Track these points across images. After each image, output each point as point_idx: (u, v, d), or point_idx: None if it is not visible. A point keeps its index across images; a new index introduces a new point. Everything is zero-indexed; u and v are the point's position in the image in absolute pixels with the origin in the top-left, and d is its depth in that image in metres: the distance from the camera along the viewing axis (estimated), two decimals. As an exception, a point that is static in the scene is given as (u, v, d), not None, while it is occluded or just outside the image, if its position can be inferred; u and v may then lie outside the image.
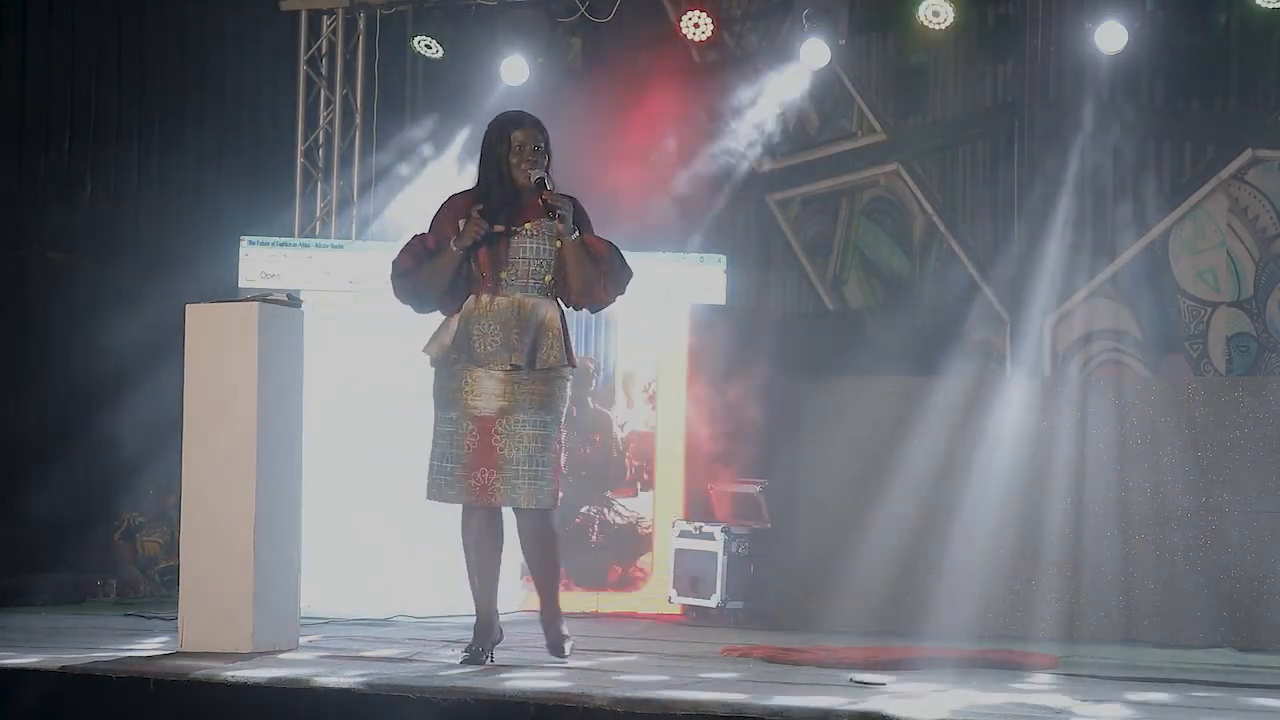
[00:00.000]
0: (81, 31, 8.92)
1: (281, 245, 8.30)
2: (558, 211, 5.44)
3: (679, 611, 8.18)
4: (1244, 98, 8.81)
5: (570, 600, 6.94)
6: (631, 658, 5.81)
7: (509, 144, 5.56)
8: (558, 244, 5.51)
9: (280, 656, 5.54)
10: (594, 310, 5.71)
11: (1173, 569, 7.04)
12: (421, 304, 5.67)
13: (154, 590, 8.66)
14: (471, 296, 5.56)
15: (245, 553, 5.64)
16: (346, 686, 4.72)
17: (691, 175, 9.82)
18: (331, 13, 9.43)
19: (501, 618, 7.41)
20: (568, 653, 5.61)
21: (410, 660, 5.60)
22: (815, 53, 8.93)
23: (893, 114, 9.74)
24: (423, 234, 5.67)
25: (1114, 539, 7.14)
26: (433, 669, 5.28)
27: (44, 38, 8.71)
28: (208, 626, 5.65)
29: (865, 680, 5.11)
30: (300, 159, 9.41)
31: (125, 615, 7.42)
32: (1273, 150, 8.69)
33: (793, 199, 10.08)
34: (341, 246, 8.45)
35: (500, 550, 5.70)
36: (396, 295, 5.69)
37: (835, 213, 9.94)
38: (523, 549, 5.70)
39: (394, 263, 5.66)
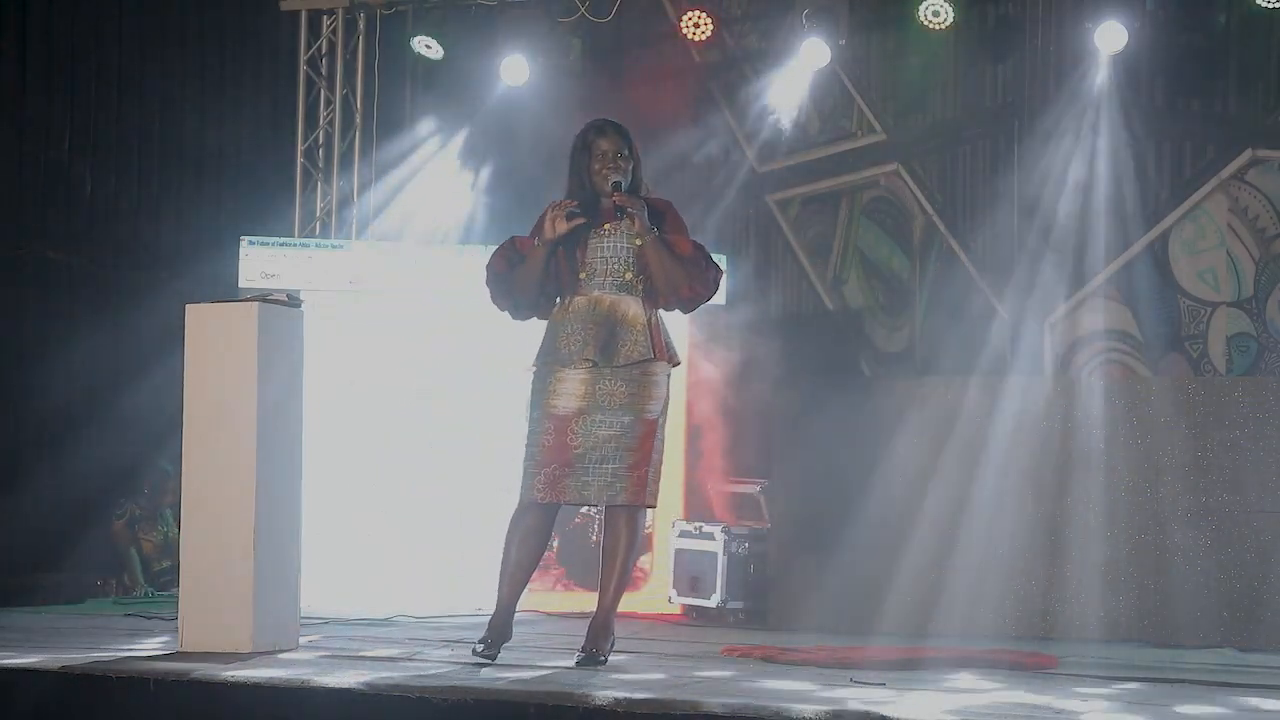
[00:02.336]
0: (81, 31, 8.92)
1: (281, 245, 8.29)
2: (628, 211, 5.51)
3: (679, 611, 8.18)
4: (1244, 98, 8.80)
5: (570, 600, 6.95)
6: (631, 658, 5.81)
7: (591, 152, 5.64)
8: (638, 243, 5.56)
9: (280, 656, 5.54)
10: (684, 310, 5.74)
11: (1173, 569, 7.03)
12: (517, 307, 5.73)
13: (154, 590, 8.66)
14: (559, 300, 5.63)
15: (245, 553, 5.64)
16: (346, 686, 4.72)
17: (691, 175, 9.82)
18: (331, 13, 9.43)
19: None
20: (602, 663, 5.48)
21: (410, 660, 5.60)
22: (815, 53, 8.93)
23: (893, 114, 9.74)
24: (515, 237, 5.74)
25: (1114, 539, 7.13)
26: (433, 669, 5.28)
27: (44, 37, 8.71)
28: (208, 626, 5.65)
29: (865, 680, 5.11)
30: (300, 159, 9.41)
31: (125, 615, 7.42)
32: (1273, 150, 8.69)
33: (793, 199, 10.08)
34: (341, 246, 8.44)
35: (539, 555, 5.69)
36: (493, 301, 5.75)
37: (835, 213, 9.94)
38: (602, 544, 5.67)
39: (488, 266, 5.74)
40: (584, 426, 5.51)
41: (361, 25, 9.49)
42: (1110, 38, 8.53)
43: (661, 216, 5.63)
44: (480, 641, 5.54)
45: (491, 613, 5.64)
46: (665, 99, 10.28)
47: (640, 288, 5.59)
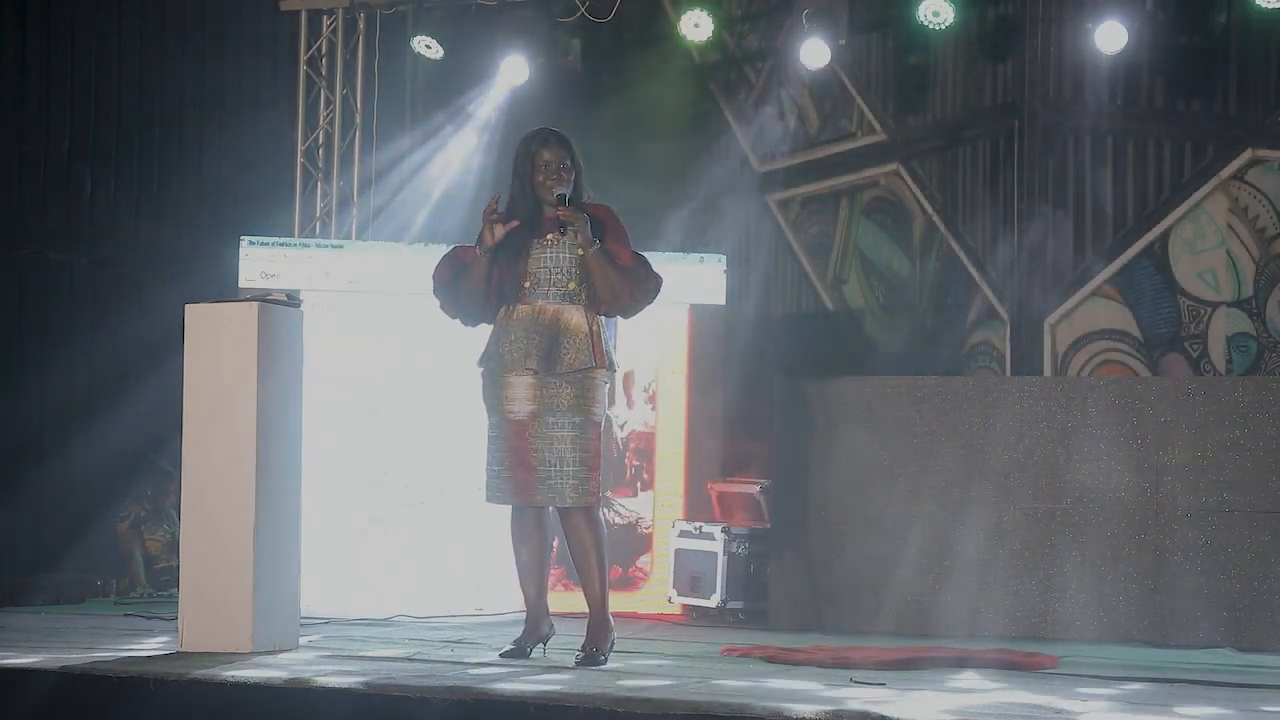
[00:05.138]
0: (81, 31, 8.92)
1: (281, 245, 8.30)
2: (571, 227, 5.60)
3: (679, 611, 8.18)
4: (1244, 98, 8.80)
5: (569, 600, 6.94)
6: (631, 658, 5.81)
7: (534, 162, 5.71)
8: (580, 253, 5.65)
9: (280, 656, 5.55)
10: (625, 316, 5.85)
11: (1173, 569, 7.04)
12: (465, 315, 5.85)
13: (154, 589, 8.66)
14: (503, 308, 5.71)
15: (245, 553, 5.64)
16: (346, 686, 4.72)
17: (691, 175, 9.82)
18: (331, 13, 9.43)
19: (498, 617, 7.49)
20: (602, 662, 5.55)
21: (410, 660, 5.60)
22: (815, 53, 8.93)
23: (893, 114, 9.74)
24: (458, 246, 5.86)
25: (1114, 539, 7.13)
26: (433, 669, 5.28)
27: (44, 37, 8.71)
28: (208, 626, 5.65)
29: (865, 680, 5.12)
30: (300, 159, 9.41)
31: (125, 615, 7.42)
32: (1273, 150, 8.69)
33: (793, 199, 10.09)
34: (341, 246, 8.44)
35: (545, 550, 5.82)
36: (442, 309, 5.88)
37: (835, 213, 9.94)
38: (569, 550, 5.76)
39: (433, 277, 5.86)
40: (538, 429, 5.62)
41: (361, 25, 9.48)
42: (1110, 38, 8.53)
43: (603, 226, 5.72)
44: (514, 642, 5.70)
45: (525, 615, 5.81)
46: (665, 99, 10.29)
47: (583, 297, 5.70)
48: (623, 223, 5.81)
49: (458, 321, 5.87)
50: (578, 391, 5.62)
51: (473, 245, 5.77)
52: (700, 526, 8.12)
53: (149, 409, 8.34)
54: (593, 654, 5.54)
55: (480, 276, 5.69)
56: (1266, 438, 7.00)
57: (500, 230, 5.63)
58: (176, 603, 5.82)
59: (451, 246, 5.94)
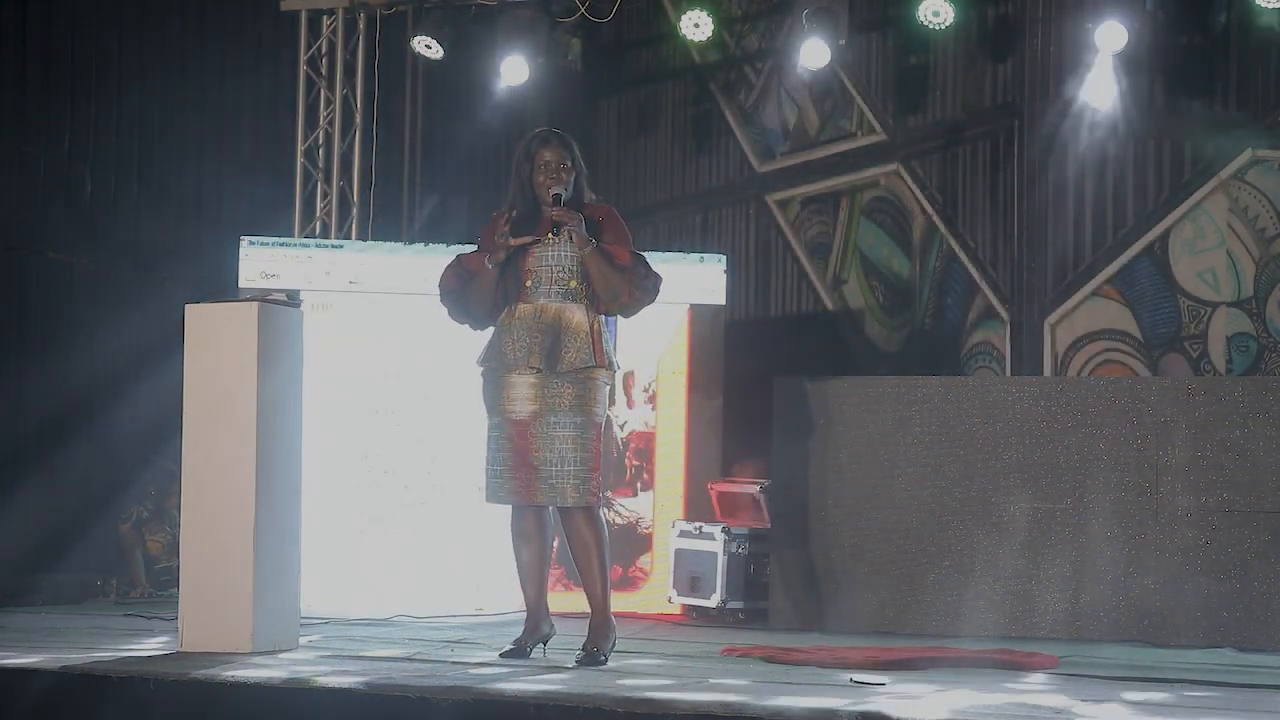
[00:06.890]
0: (81, 31, 8.92)
1: (281, 245, 8.30)
2: (565, 227, 5.63)
3: (679, 611, 8.18)
4: (1244, 98, 8.80)
5: (570, 600, 6.95)
6: (631, 658, 5.81)
7: (534, 162, 5.74)
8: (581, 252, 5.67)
9: (280, 656, 5.55)
10: (625, 315, 5.88)
11: (1173, 569, 7.04)
12: (475, 320, 5.87)
13: (154, 590, 8.66)
14: (505, 307, 5.74)
15: (245, 553, 5.64)
16: (346, 686, 4.72)
17: (691, 175, 9.82)
18: (331, 13, 9.44)
19: (498, 617, 7.49)
20: (602, 663, 5.56)
21: (410, 660, 5.61)
22: (815, 53, 8.93)
23: (893, 114, 9.74)
24: (463, 254, 5.87)
25: (1114, 539, 7.13)
26: (433, 669, 5.28)
27: (43, 38, 8.71)
28: (208, 626, 5.66)
29: (865, 680, 5.12)
30: (300, 159, 9.41)
31: (125, 615, 7.42)
32: (1273, 150, 8.68)
33: (793, 199, 10.08)
34: (341, 246, 8.44)
35: (547, 549, 5.84)
36: (451, 317, 5.91)
37: (835, 213, 9.94)
38: (570, 549, 5.77)
39: (440, 284, 5.88)
40: (540, 429, 5.64)
41: (361, 25, 9.49)
42: (1110, 38, 8.53)
43: (601, 226, 5.75)
44: (514, 642, 5.72)
45: (525, 615, 5.82)
46: (665, 99, 10.30)
47: (585, 295, 5.72)
48: (623, 223, 5.83)
49: (466, 326, 5.89)
50: (579, 392, 5.63)
51: (475, 252, 5.80)
52: (700, 526, 8.12)
53: (149, 409, 8.34)
54: (593, 654, 5.54)
55: (489, 288, 5.72)
56: (1266, 438, 7.00)
57: (513, 244, 5.67)
58: (176, 603, 5.82)
59: (456, 254, 5.95)
